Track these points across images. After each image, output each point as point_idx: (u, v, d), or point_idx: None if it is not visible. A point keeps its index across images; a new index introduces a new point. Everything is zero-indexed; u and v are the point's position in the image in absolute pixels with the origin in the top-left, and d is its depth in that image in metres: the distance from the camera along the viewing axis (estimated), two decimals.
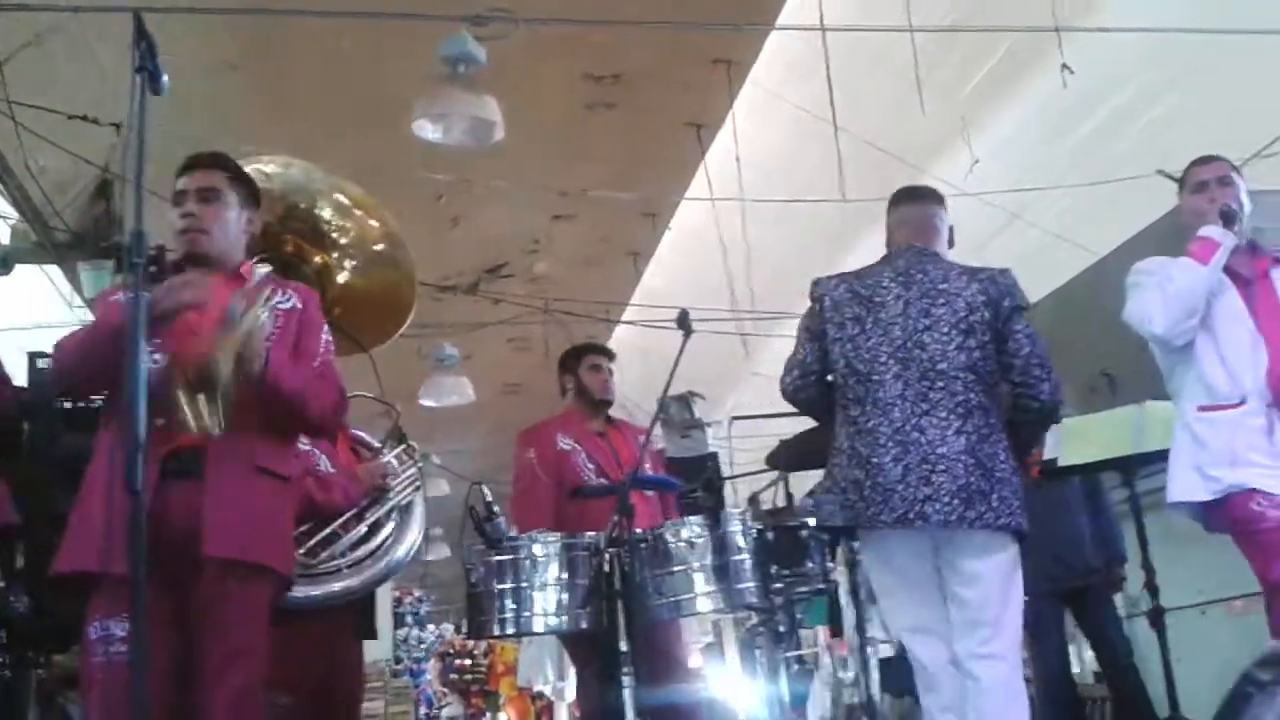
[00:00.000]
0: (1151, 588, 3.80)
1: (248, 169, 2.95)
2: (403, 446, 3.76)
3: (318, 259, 3.55)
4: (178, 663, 2.38)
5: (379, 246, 3.69)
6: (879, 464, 3.07)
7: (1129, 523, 4.04)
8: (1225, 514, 3.11)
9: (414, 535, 3.62)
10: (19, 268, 6.02)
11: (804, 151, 7.16)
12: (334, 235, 3.61)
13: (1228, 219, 3.20)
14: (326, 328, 2.81)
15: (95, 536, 2.24)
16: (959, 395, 3.10)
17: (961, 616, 3.05)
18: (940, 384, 3.12)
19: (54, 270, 6.66)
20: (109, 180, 5.72)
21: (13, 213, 6.13)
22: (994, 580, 3.05)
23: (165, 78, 2.17)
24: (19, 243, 6.11)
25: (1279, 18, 5.61)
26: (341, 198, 3.64)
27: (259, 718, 2.44)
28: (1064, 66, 5.32)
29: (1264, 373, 3.10)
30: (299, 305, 2.73)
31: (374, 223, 3.70)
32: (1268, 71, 6.13)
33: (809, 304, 3.38)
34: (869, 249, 8.03)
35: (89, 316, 6.76)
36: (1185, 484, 3.16)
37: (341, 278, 3.61)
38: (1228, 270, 3.21)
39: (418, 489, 3.69)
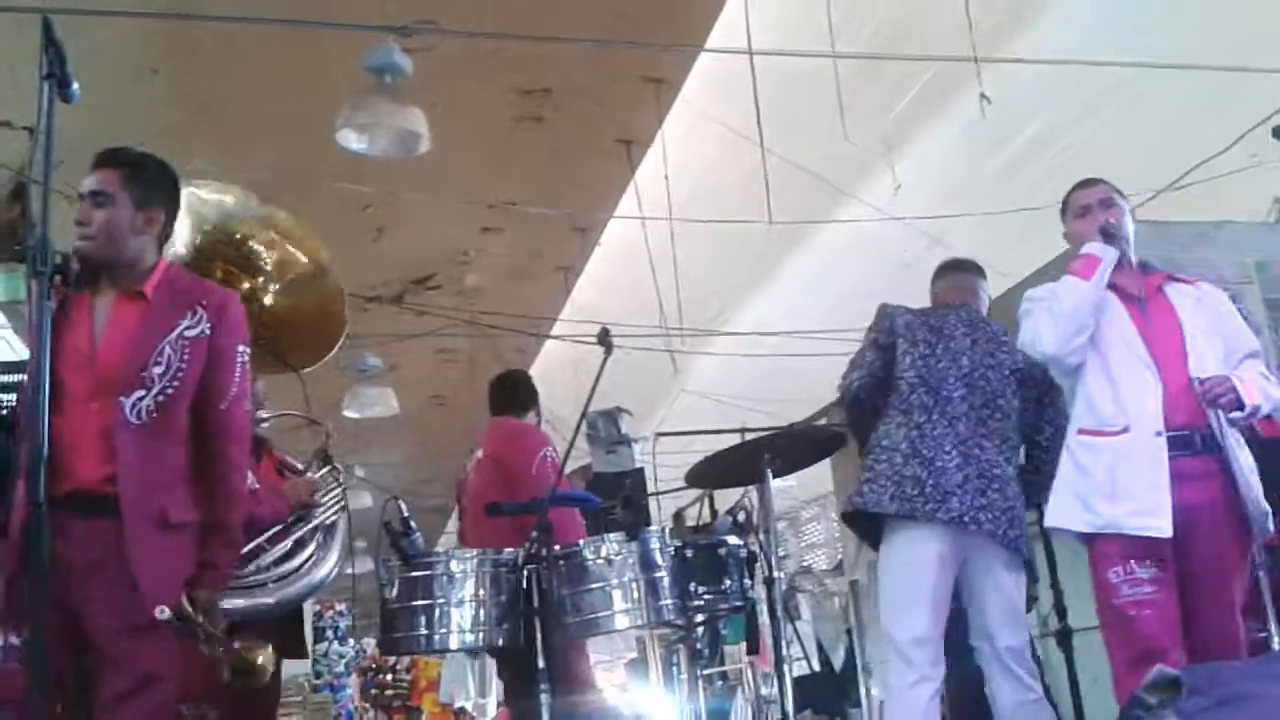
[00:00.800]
0: (1060, 609, 3.88)
1: (185, 191, 2.88)
2: (329, 467, 3.73)
3: (245, 285, 3.52)
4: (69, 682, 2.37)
5: (308, 273, 3.67)
6: (942, 467, 3.37)
7: (1039, 543, 4.11)
8: (1091, 555, 3.13)
9: (335, 557, 3.59)
10: None
11: (732, 172, 7.22)
12: (263, 263, 3.58)
13: (1108, 235, 3.19)
14: (243, 347, 2.66)
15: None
16: (1009, 432, 3.53)
17: (1001, 613, 3.49)
18: (998, 416, 3.52)
19: None
20: (23, 184, 5.58)
21: None
22: (1018, 594, 3.54)
23: (75, 85, 2.12)
24: None
25: (1191, 53, 5.81)
26: (274, 228, 3.62)
27: None
28: (982, 96, 5.43)
29: (1153, 400, 3.03)
30: (208, 330, 2.54)
31: (302, 252, 3.68)
32: (1181, 105, 6.34)
33: (874, 320, 3.74)
34: (793, 270, 8.24)
35: (2, 320, 6.59)
36: (1065, 511, 3.15)
37: (269, 301, 3.58)
38: (1117, 290, 3.19)
39: (343, 509, 3.66)
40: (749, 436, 4.01)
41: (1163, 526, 2.90)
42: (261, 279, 3.60)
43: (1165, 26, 5.99)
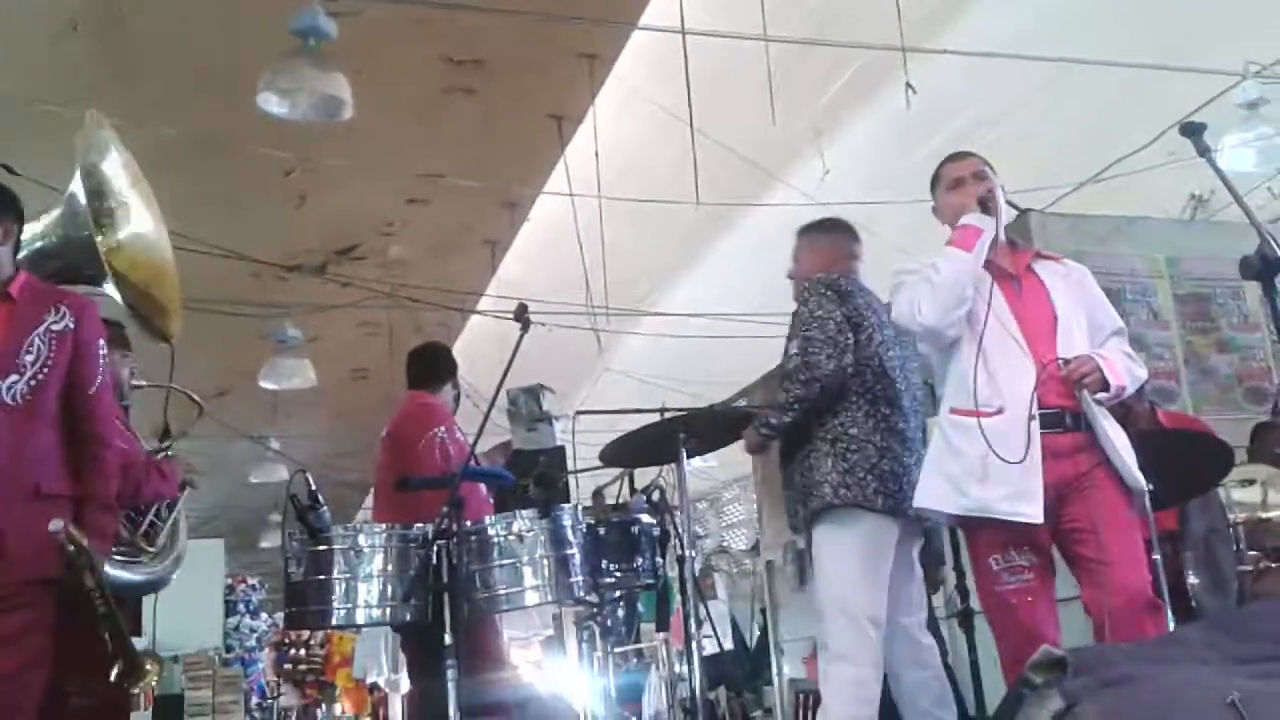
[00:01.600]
0: (962, 590, 3.95)
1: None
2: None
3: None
4: None
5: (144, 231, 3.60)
6: (907, 465, 3.41)
7: (945, 528, 4.18)
8: (968, 539, 3.13)
9: (185, 533, 3.58)
10: None
11: (662, 152, 7.21)
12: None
13: (985, 207, 3.07)
14: (103, 342, 2.89)
15: None
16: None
17: (917, 591, 3.62)
18: (918, 410, 3.58)
19: None
20: None
21: None
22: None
23: None
24: None
25: (1115, 51, 5.92)
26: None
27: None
28: (908, 85, 5.48)
29: (1027, 381, 2.94)
30: (71, 325, 2.77)
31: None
32: (1104, 102, 6.46)
33: (833, 294, 3.53)
34: (721, 251, 8.26)
35: None
36: (935, 491, 3.05)
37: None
38: (990, 267, 3.07)
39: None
40: (666, 416, 4.00)
41: (1034, 513, 2.84)
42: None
43: (1091, 24, 6.10)
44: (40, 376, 2.69)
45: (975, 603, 3.90)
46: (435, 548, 3.25)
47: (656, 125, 7.30)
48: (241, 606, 14.71)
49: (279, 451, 10.41)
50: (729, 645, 7.96)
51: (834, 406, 3.48)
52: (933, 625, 4.71)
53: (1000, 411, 2.93)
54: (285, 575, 3.24)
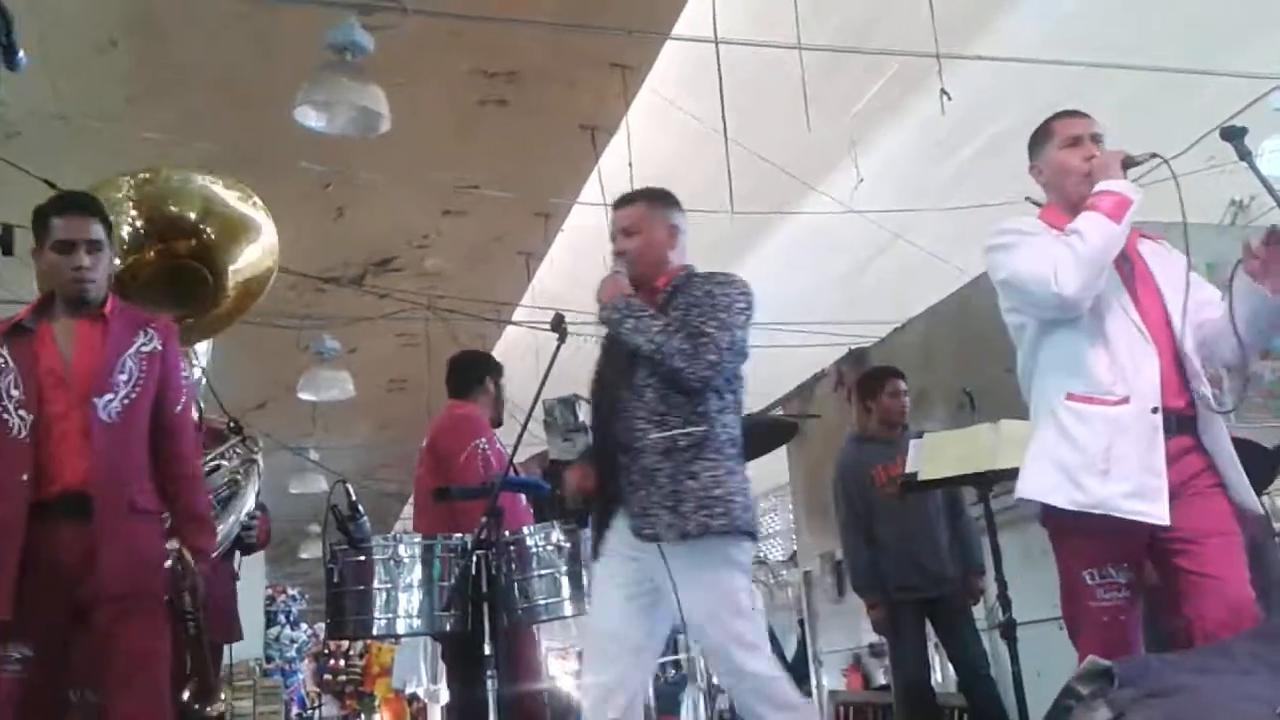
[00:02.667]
0: (1004, 601, 3.91)
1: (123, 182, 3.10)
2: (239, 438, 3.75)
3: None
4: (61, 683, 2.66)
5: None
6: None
7: (985, 536, 4.15)
8: (1063, 540, 2.80)
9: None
10: None
11: (695, 161, 7.21)
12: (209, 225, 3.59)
13: (1127, 169, 2.77)
14: (183, 363, 3.03)
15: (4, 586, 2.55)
16: None
17: None
18: None
19: None
20: None
21: None
22: None
23: (22, 54, 2.09)
24: None
25: (1152, 54, 5.87)
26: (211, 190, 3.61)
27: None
28: (943, 92, 5.46)
29: (1152, 371, 2.69)
30: (160, 346, 2.88)
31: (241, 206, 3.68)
32: (1141, 106, 6.40)
33: (748, 298, 3.14)
34: (756, 261, 8.24)
35: None
36: (1044, 482, 2.74)
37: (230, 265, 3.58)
38: None
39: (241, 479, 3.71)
40: None
41: (1160, 513, 2.60)
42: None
43: (1127, 27, 6.06)
44: (132, 396, 2.77)
45: (1019, 614, 3.88)
46: (475, 557, 3.27)
47: (689, 135, 7.31)
48: (281, 617, 14.79)
49: (318, 463, 10.49)
50: None
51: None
52: (974, 637, 4.70)
53: (1125, 401, 2.67)
54: (327, 585, 3.27)
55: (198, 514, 2.97)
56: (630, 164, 7.41)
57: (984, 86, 6.20)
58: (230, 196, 3.72)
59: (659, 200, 3.33)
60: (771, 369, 8.30)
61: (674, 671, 8.83)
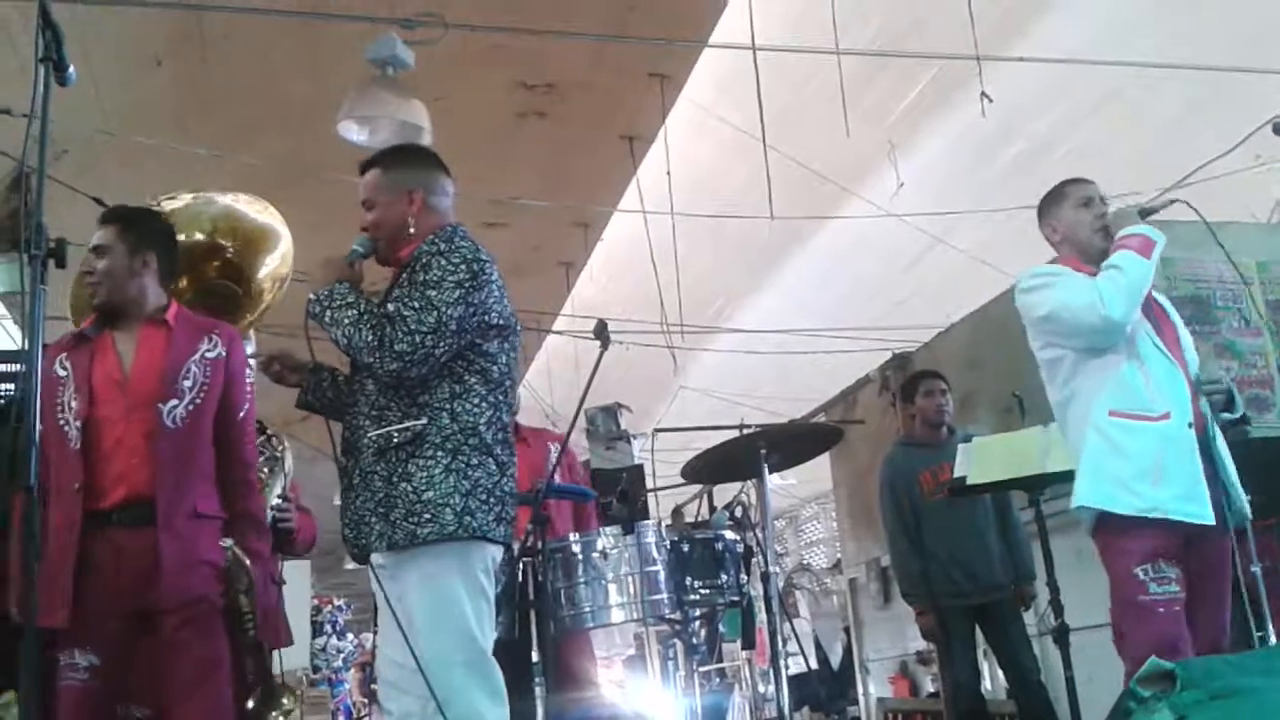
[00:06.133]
0: (1056, 606, 3.87)
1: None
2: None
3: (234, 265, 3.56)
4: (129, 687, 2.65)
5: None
6: None
7: (1036, 541, 4.10)
8: (1115, 543, 3.04)
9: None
10: None
11: (734, 169, 7.21)
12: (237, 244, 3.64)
13: (1146, 217, 3.18)
14: (248, 370, 3.01)
15: (59, 596, 2.54)
16: None
17: None
18: None
19: None
20: (22, 175, 5.58)
21: None
22: None
23: (72, 69, 2.12)
24: None
25: (1195, 54, 5.80)
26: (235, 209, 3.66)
27: None
28: (983, 95, 5.42)
29: (1183, 391, 3.06)
30: (224, 352, 2.89)
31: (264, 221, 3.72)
32: (1184, 106, 6.33)
33: (473, 265, 2.71)
34: (795, 267, 8.23)
35: (3, 310, 6.59)
36: (1102, 491, 3.02)
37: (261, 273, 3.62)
38: None
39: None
40: (745, 432, 3.99)
41: (1207, 514, 2.91)
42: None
43: (1169, 26, 5.99)
44: (197, 401, 2.78)
45: (1071, 619, 3.83)
46: (521, 565, 3.27)
47: (728, 142, 7.31)
48: (328, 627, 14.88)
49: None
50: (813, 664, 7.89)
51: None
52: (1025, 643, 4.65)
53: (1166, 416, 3.01)
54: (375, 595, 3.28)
55: (255, 518, 2.99)
56: (669, 173, 7.43)
57: (1024, 88, 6.15)
58: (247, 210, 3.75)
59: (398, 163, 2.86)
60: (813, 375, 8.29)
61: (718, 680, 8.80)
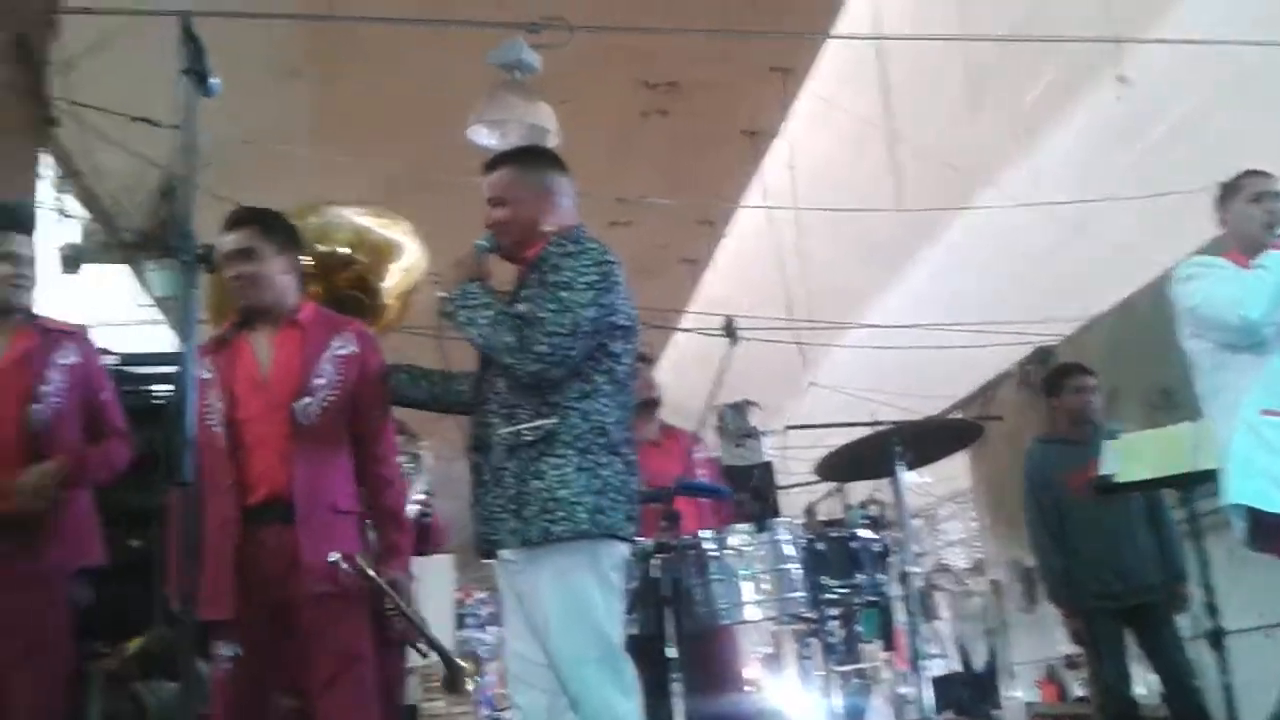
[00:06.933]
0: (1211, 608, 3.71)
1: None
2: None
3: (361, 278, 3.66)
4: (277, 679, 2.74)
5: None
6: None
7: (1190, 541, 3.94)
8: (1273, 540, 3.02)
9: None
10: (87, 266, 6.18)
11: (860, 161, 7.11)
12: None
13: None
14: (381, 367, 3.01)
15: (222, 589, 2.64)
16: None
17: None
18: None
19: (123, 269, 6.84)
20: (174, 184, 5.84)
21: (84, 212, 6.27)
22: None
23: (215, 80, 2.20)
24: (88, 242, 6.25)
25: None
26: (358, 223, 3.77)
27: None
28: (1120, 78, 5.22)
29: None
30: (356, 350, 2.92)
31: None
32: None
33: (603, 267, 2.71)
34: (926, 260, 8.06)
35: (155, 315, 6.90)
36: (1253, 488, 3.03)
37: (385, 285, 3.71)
38: None
39: None
40: (879, 429, 3.91)
41: None
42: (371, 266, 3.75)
43: None
44: (330, 399, 2.82)
45: (1225, 621, 3.67)
46: (654, 562, 3.27)
47: (853, 134, 7.21)
48: (470, 620, 15.14)
49: None
50: (954, 667, 7.72)
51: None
52: (1178, 646, 4.46)
53: None
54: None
55: (394, 513, 3.01)
56: (792, 167, 7.37)
57: (1163, 70, 5.90)
58: (374, 223, 3.85)
59: (529, 161, 2.89)
60: (949, 370, 8.11)
61: (856, 680, 8.67)
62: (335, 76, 6.05)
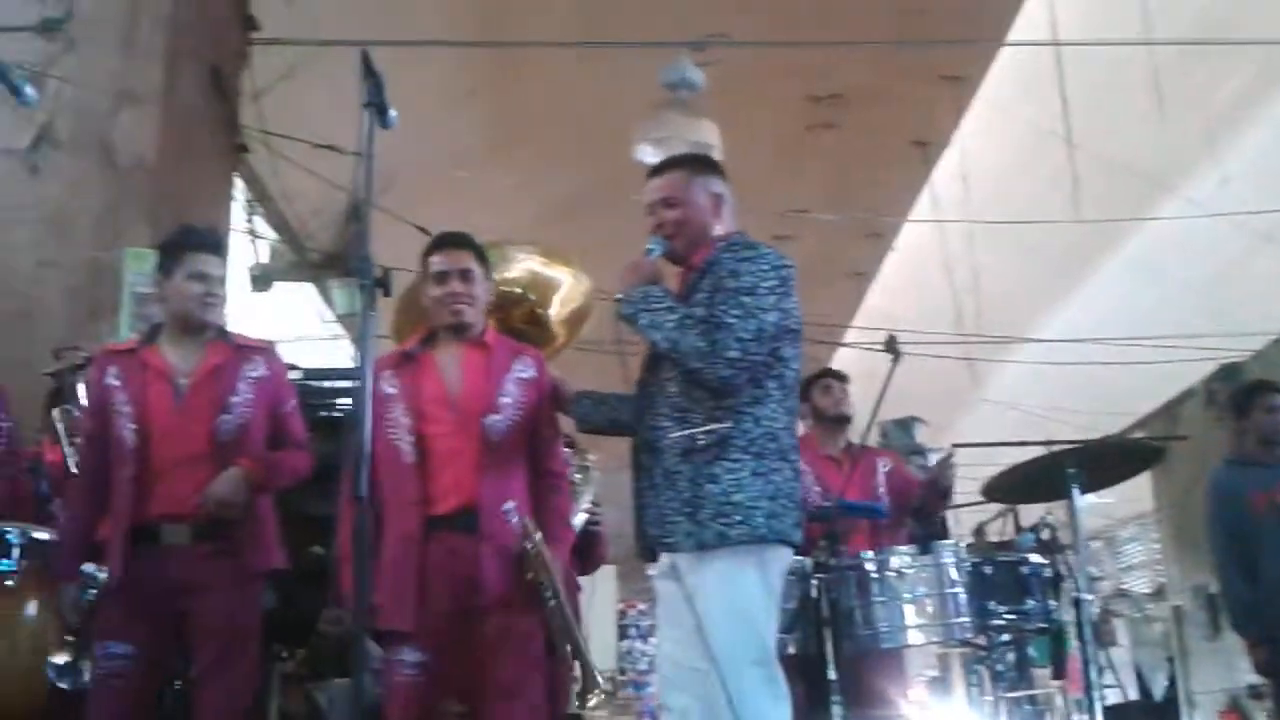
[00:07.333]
0: None
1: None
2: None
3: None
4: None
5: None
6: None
7: None
8: None
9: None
10: (277, 285, 6.56)
11: (1035, 169, 6.90)
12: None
13: None
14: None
15: (404, 600, 2.74)
16: None
17: None
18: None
19: (309, 288, 7.23)
20: (358, 206, 6.12)
21: (273, 234, 6.64)
22: None
23: (393, 113, 2.31)
24: (277, 262, 6.62)
25: None
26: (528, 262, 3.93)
27: None
28: None
29: None
30: (535, 374, 3.00)
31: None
32: None
33: (780, 271, 2.68)
34: (1107, 271, 7.75)
35: (339, 331, 7.25)
36: None
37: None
38: None
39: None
40: (1053, 449, 3.77)
41: None
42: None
43: None
44: (515, 417, 2.92)
45: None
46: (814, 581, 3.24)
47: (1028, 142, 7.00)
48: (633, 630, 15.28)
49: None
50: (1132, 695, 7.38)
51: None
52: None
53: None
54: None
55: (561, 512, 3.08)
56: (964, 177, 7.20)
57: None
58: (544, 264, 3.98)
59: (700, 166, 2.86)
60: (1130, 386, 7.77)
61: (1028, 707, 8.37)
62: (507, 98, 6.23)
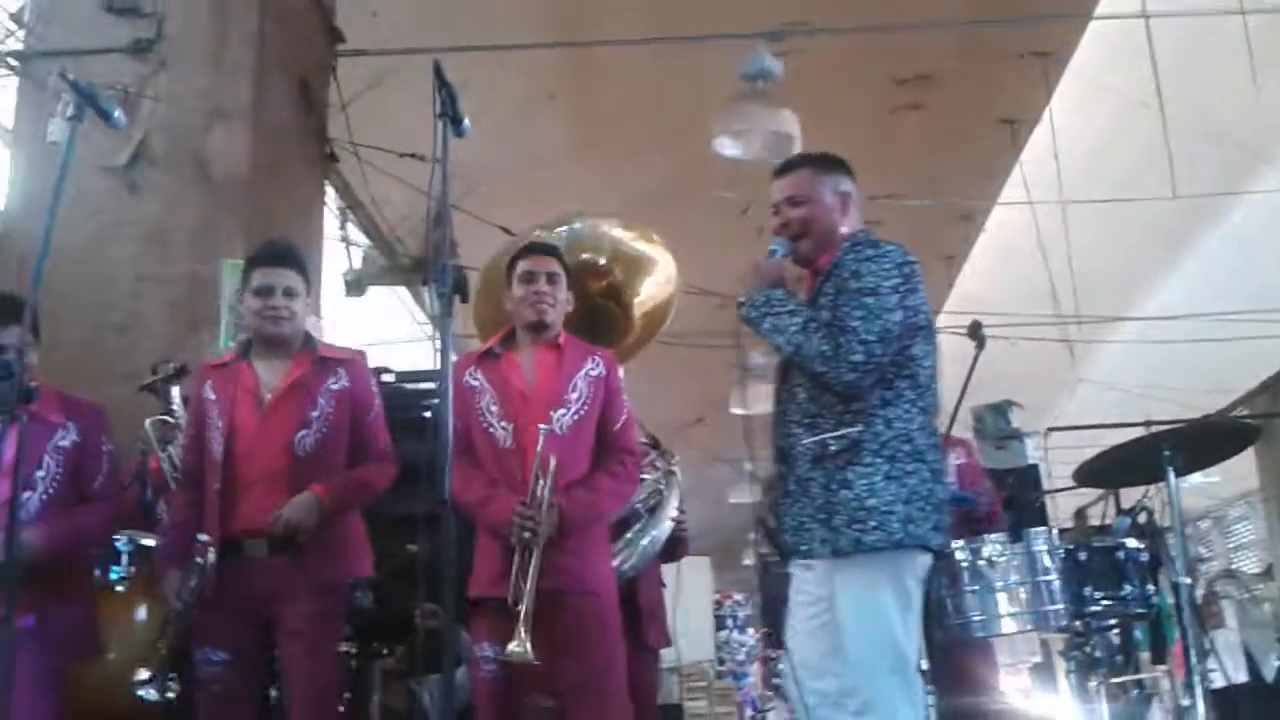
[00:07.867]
0: None
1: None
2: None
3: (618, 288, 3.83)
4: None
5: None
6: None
7: None
8: None
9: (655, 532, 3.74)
10: (371, 289, 6.73)
11: (1128, 142, 6.73)
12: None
13: None
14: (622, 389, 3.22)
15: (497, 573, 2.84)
16: None
17: None
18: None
19: (402, 290, 7.40)
20: (442, 212, 6.23)
21: (365, 240, 6.81)
22: None
23: (466, 123, 2.37)
24: (370, 267, 6.79)
25: None
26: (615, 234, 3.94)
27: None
28: None
29: None
30: (604, 373, 3.12)
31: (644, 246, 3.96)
32: None
33: (904, 269, 2.62)
34: (1205, 248, 7.53)
35: (433, 332, 7.40)
36: None
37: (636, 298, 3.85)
38: None
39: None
40: (1151, 430, 3.69)
41: None
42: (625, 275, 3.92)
43: None
44: (582, 413, 3.06)
45: None
46: None
47: (1121, 116, 6.82)
48: (730, 621, 15.29)
49: (752, 472, 10.80)
50: (1240, 678, 7.16)
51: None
52: None
53: None
54: (761, 592, 3.37)
55: (624, 494, 3.18)
56: (1056, 155, 7.04)
57: None
58: (629, 237, 4.00)
59: (828, 164, 2.78)
60: (1233, 362, 7.53)
61: (1135, 691, 8.20)
62: (587, 97, 6.28)
